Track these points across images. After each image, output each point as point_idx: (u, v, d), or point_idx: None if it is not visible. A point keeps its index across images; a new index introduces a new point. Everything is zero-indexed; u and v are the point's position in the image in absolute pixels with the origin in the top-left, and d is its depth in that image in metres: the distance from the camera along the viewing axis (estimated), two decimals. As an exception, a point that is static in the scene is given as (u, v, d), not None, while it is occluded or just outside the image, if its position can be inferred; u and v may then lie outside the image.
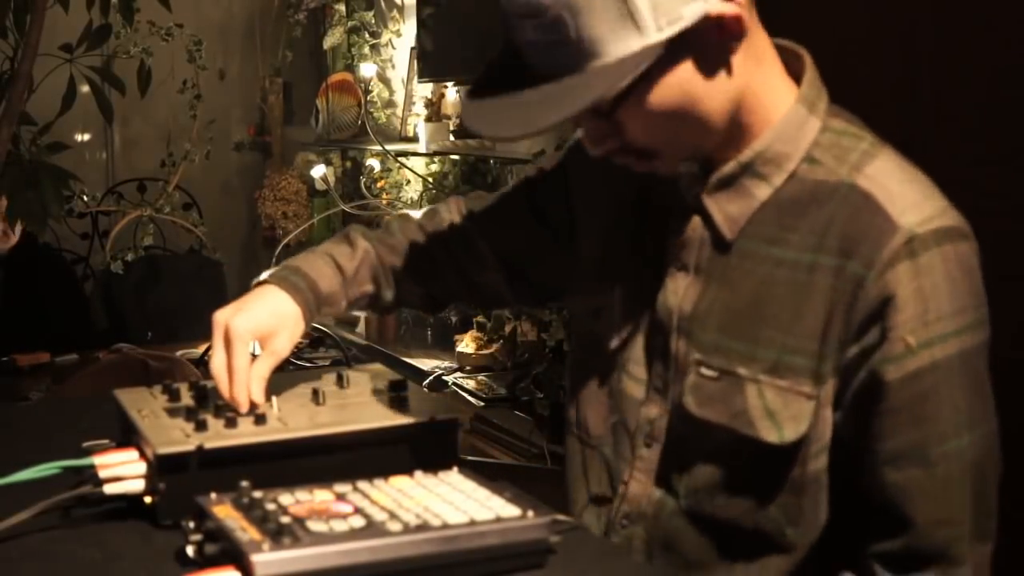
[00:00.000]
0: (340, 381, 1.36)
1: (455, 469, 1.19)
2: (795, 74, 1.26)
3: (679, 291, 1.27)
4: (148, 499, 1.16)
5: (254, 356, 1.31)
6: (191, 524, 1.06)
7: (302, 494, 1.09)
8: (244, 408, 1.26)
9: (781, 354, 1.20)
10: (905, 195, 1.18)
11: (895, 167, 1.22)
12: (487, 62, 1.22)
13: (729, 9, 1.13)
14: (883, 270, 1.15)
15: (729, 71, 1.18)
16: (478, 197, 1.57)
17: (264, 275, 1.42)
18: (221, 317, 1.32)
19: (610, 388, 1.35)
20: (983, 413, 1.21)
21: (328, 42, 5.00)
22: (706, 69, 1.16)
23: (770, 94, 1.23)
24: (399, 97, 4.79)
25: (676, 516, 1.28)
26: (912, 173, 1.22)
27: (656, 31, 1.10)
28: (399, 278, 1.50)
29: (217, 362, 1.30)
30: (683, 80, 1.15)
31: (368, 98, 4.79)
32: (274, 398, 1.29)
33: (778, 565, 1.25)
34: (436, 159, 4.36)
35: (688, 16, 1.11)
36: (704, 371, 1.24)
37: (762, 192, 1.23)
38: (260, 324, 1.32)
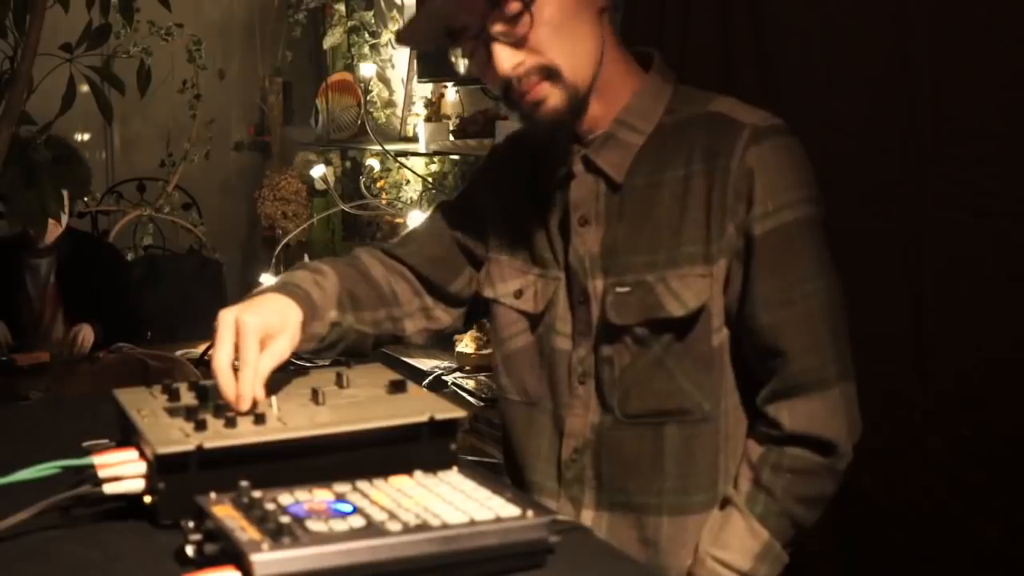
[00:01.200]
0: (340, 381, 1.36)
1: (455, 469, 1.19)
2: (646, 68, 1.54)
3: (586, 241, 1.51)
4: (148, 499, 1.16)
5: None
6: (191, 524, 1.06)
7: (302, 494, 1.09)
8: (246, 405, 1.25)
9: (675, 250, 1.45)
10: (744, 109, 1.49)
11: (734, 100, 1.51)
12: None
13: None
14: (741, 155, 1.43)
15: (598, 21, 1.46)
16: (391, 244, 1.70)
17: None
18: (229, 314, 1.35)
19: (541, 350, 1.56)
20: (830, 267, 1.47)
21: (328, 42, 5.00)
22: (585, 7, 1.44)
23: (627, 70, 1.52)
24: (399, 97, 4.79)
25: (613, 429, 1.50)
26: (744, 103, 1.51)
27: None
28: (358, 306, 1.57)
29: (221, 358, 1.30)
30: (568, 4, 1.42)
31: (368, 98, 4.79)
32: (274, 398, 1.29)
33: (703, 443, 1.48)
34: (436, 159, 4.36)
35: None
36: (619, 289, 1.48)
37: (636, 139, 1.50)
38: (268, 322, 1.35)
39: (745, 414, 1.50)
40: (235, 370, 1.29)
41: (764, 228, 1.43)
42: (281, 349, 1.35)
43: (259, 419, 1.22)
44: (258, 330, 1.33)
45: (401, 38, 1.65)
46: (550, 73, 1.43)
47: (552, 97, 1.44)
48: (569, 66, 1.43)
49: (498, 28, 1.41)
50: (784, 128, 1.48)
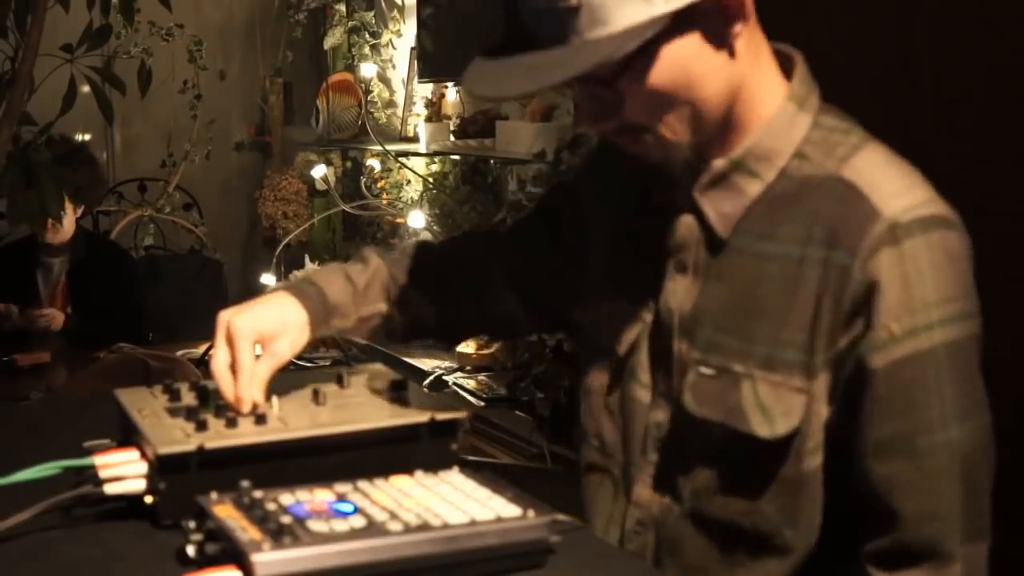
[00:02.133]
0: (340, 381, 1.36)
1: (456, 469, 1.19)
2: (788, 76, 1.27)
3: (679, 292, 1.28)
4: (149, 499, 1.16)
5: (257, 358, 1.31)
6: (192, 524, 1.06)
7: (303, 494, 1.09)
8: (246, 408, 1.25)
9: (773, 348, 1.20)
10: (890, 184, 1.18)
11: (881, 158, 1.22)
12: (494, 35, 1.24)
13: None
14: (867, 257, 1.15)
15: (730, 54, 1.19)
16: (491, 231, 1.60)
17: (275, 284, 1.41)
18: (224, 316, 1.32)
19: (621, 395, 1.34)
20: (973, 407, 1.20)
21: (328, 42, 5.00)
22: (708, 49, 1.17)
23: (764, 90, 1.24)
24: (399, 97, 4.79)
25: (680, 520, 1.28)
26: (899, 164, 1.22)
27: (663, 3, 1.12)
28: (411, 299, 1.47)
29: (219, 360, 1.29)
30: (685, 56, 1.16)
31: (368, 98, 4.79)
32: (274, 398, 1.29)
33: (776, 568, 1.24)
34: (436, 159, 4.36)
35: None
36: (703, 370, 1.24)
37: (753, 189, 1.24)
38: (263, 324, 1.31)
39: (832, 547, 1.25)
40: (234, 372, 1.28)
41: (885, 360, 1.15)
42: (280, 351, 1.31)
43: (260, 419, 1.22)
44: (250, 334, 1.30)
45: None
46: (644, 131, 1.20)
47: (653, 153, 1.23)
48: (671, 132, 1.20)
49: (584, 88, 1.20)
50: (940, 221, 1.17)
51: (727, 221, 1.24)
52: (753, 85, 1.22)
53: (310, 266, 5.05)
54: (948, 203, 1.20)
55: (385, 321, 1.46)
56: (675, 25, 1.14)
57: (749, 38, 1.20)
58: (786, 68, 1.27)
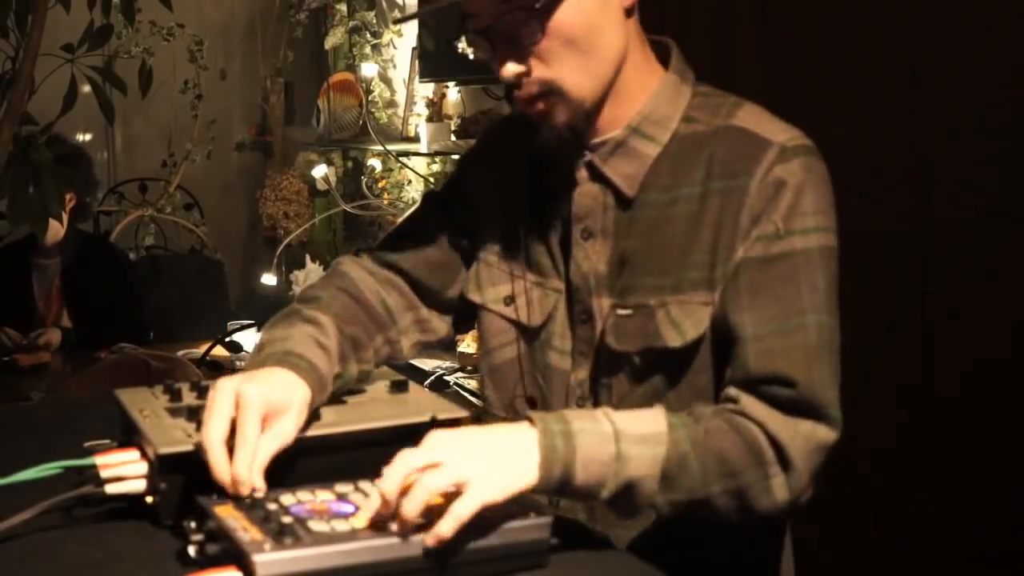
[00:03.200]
0: (341, 381, 1.36)
1: (456, 469, 1.19)
2: (663, 62, 1.42)
3: (590, 256, 1.39)
4: (149, 499, 1.16)
5: None
6: (192, 524, 1.06)
7: (304, 494, 1.09)
8: (245, 490, 1.10)
9: (681, 274, 1.33)
10: (772, 124, 1.36)
11: (760, 110, 1.39)
12: None
13: None
14: (764, 175, 1.31)
15: (626, 15, 1.35)
16: (379, 246, 1.56)
17: (247, 360, 1.30)
18: (229, 383, 1.17)
19: (534, 365, 1.45)
20: (835, 307, 1.33)
21: (329, 42, 5.00)
22: (611, 6, 1.33)
23: (646, 66, 1.40)
24: (400, 97, 4.79)
25: None
26: (772, 114, 1.39)
27: None
28: (358, 346, 1.41)
29: (216, 432, 1.13)
30: (592, 5, 1.31)
31: (369, 98, 4.79)
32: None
33: None
34: (437, 159, 4.36)
35: None
36: (620, 311, 1.37)
37: (651, 150, 1.38)
38: (274, 397, 1.17)
39: None
40: (229, 449, 1.13)
41: (768, 251, 1.30)
42: (286, 431, 1.17)
43: (261, 419, 1.22)
44: (260, 406, 1.15)
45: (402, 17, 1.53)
46: (553, 90, 1.33)
47: (556, 114, 1.34)
48: (576, 83, 1.33)
49: (504, 29, 1.31)
50: (812, 150, 1.35)
51: (632, 181, 1.38)
52: (638, 58, 1.38)
53: (311, 266, 5.06)
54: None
55: (335, 378, 1.34)
56: None
57: (635, 24, 1.37)
58: (661, 56, 1.42)
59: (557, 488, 1.17)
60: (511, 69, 1.32)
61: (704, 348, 1.33)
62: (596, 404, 1.39)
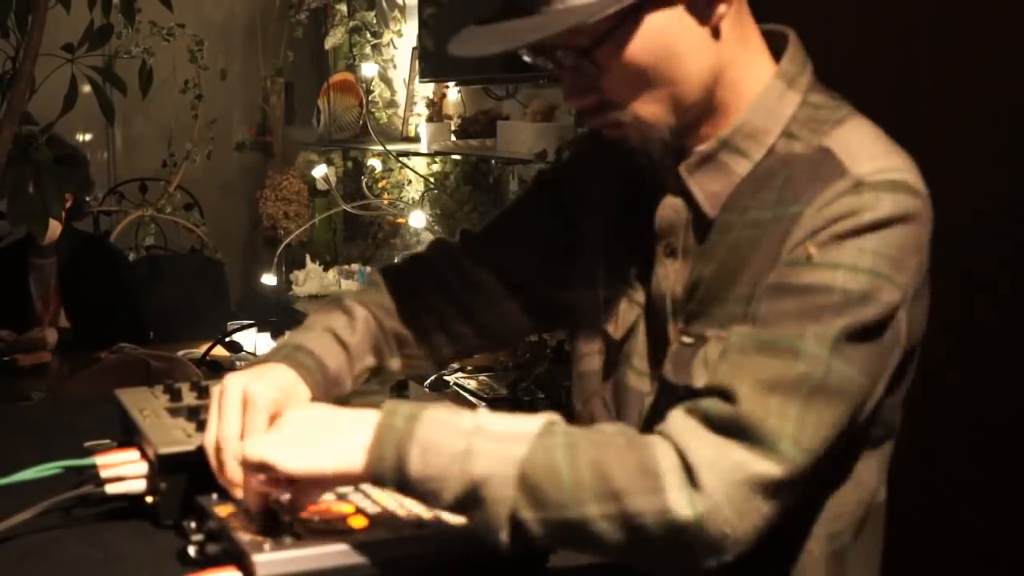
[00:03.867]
0: (341, 381, 1.36)
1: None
2: (779, 57, 1.25)
3: (669, 276, 1.25)
4: (149, 499, 1.16)
5: None
6: (192, 524, 1.06)
7: (303, 494, 1.09)
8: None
9: (739, 306, 1.16)
10: (866, 150, 1.15)
11: (863, 129, 1.19)
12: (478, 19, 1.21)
13: None
14: (823, 205, 1.11)
15: (714, 35, 1.17)
16: (463, 233, 1.48)
17: (265, 351, 1.28)
18: (237, 381, 1.16)
19: (615, 382, 1.31)
20: (871, 369, 1.11)
21: (329, 42, 5.00)
22: (692, 26, 1.15)
23: (751, 72, 1.21)
24: (400, 97, 4.79)
25: None
26: (880, 136, 1.19)
27: None
28: (403, 342, 1.39)
29: (225, 432, 1.12)
30: (666, 31, 1.14)
31: (369, 98, 4.79)
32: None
33: None
34: (437, 159, 4.36)
35: None
36: (684, 339, 1.21)
37: (741, 168, 1.20)
38: (281, 396, 1.17)
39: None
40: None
41: (787, 278, 1.11)
42: None
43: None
44: (269, 406, 1.15)
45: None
46: (625, 122, 1.19)
47: (633, 141, 1.21)
48: (652, 114, 1.18)
49: (566, 58, 1.17)
50: (907, 189, 1.12)
51: (715, 200, 1.21)
52: (738, 68, 1.20)
53: (311, 266, 5.06)
54: (924, 180, 1.16)
55: (373, 372, 1.36)
56: None
57: (736, 20, 1.18)
58: (777, 48, 1.24)
59: (392, 477, 1.02)
60: (574, 97, 1.20)
61: None
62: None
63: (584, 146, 1.43)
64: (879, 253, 1.09)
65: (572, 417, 1.38)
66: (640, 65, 1.14)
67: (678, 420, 1.06)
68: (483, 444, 1.03)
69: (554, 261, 1.40)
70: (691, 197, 1.23)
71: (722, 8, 1.15)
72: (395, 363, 1.37)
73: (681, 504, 1.00)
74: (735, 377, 1.06)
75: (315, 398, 1.22)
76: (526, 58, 1.21)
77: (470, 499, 1.01)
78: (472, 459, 1.02)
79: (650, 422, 1.23)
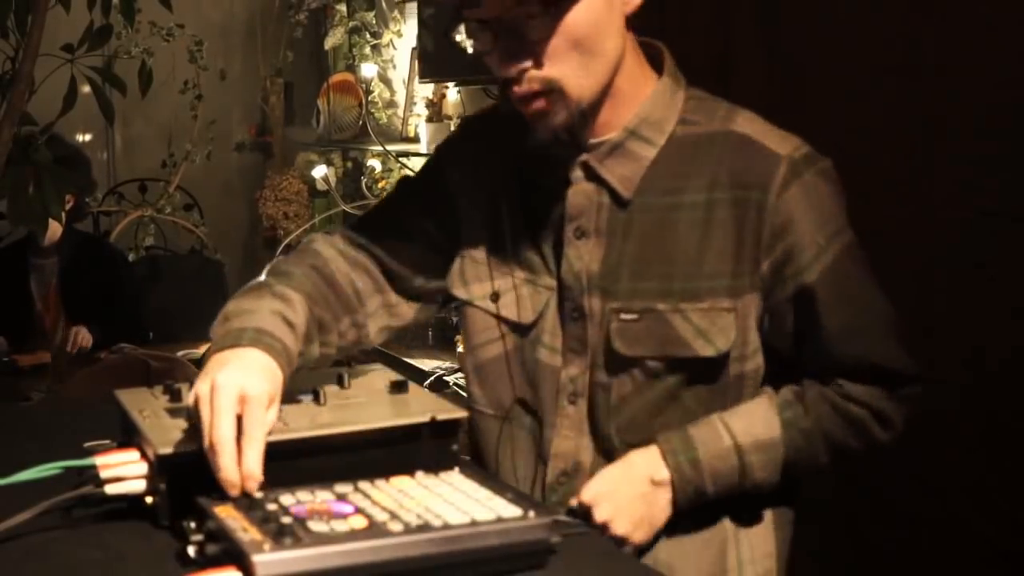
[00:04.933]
0: (341, 381, 1.36)
1: (456, 469, 1.19)
2: (652, 62, 1.44)
3: (583, 255, 1.41)
4: (149, 499, 1.16)
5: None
6: (192, 524, 1.06)
7: (303, 494, 1.09)
8: (254, 487, 1.10)
9: (696, 281, 1.37)
10: (773, 133, 1.40)
11: (756, 116, 1.42)
12: None
13: None
14: (780, 192, 1.35)
15: (624, 22, 1.36)
16: (352, 227, 1.55)
17: (218, 337, 1.29)
18: (229, 380, 1.15)
19: (523, 362, 1.46)
20: (877, 283, 1.43)
21: (329, 42, 5.00)
22: (615, 8, 1.34)
23: (640, 70, 1.41)
24: (400, 97, 4.79)
25: (615, 455, 1.40)
26: (767, 121, 1.42)
27: None
28: (323, 328, 1.43)
29: (226, 432, 1.11)
30: (599, 7, 1.32)
31: (369, 98, 4.79)
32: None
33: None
34: (437, 159, 4.35)
35: None
36: (624, 316, 1.39)
37: (647, 152, 1.40)
38: (271, 391, 1.18)
39: None
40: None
41: (821, 268, 1.37)
42: (272, 419, 1.17)
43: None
44: (265, 401, 1.15)
45: None
46: (552, 89, 1.33)
47: (553, 115, 1.34)
48: (577, 83, 1.33)
49: (511, 23, 1.30)
50: (816, 155, 1.40)
51: (628, 183, 1.40)
52: (632, 61, 1.39)
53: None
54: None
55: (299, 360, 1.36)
56: None
57: (628, 31, 1.38)
58: (652, 59, 1.44)
59: (693, 504, 1.38)
60: (512, 64, 1.32)
61: (733, 352, 1.39)
62: (591, 402, 1.42)
63: (460, 147, 1.56)
64: (840, 210, 1.40)
65: (474, 402, 1.51)
66: (578, 32, 1.31)
67: (855, 389, 1.40)
68: (751, 458, 1.38)
69: (421, 254, 1.51)
70: (604, 183, 1.40)
71: (628, 11, 1.36)
72: (315, 350, 1.41)
73: (880, 439, 1.43)
74: (867, 351, 1.40)
75: (284, 382, 1.24)
76: (461, 31, 1.37)
77: (756, 489, 1.40)
78: (749, 473, 1.39)
79: (572, 395, 1.42)
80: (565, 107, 1.34)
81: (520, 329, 1.46)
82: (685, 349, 1.37)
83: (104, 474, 1.16)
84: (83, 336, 3.64)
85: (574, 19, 1.30)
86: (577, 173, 1.41)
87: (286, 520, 1.02)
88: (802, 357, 1.42)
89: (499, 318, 1.47)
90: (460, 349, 3.61)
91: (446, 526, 1.03)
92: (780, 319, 1.40)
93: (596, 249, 1.40)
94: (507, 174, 1.48)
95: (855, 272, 1.40)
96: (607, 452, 1.41)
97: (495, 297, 1.47)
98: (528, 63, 1.32)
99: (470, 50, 1.40)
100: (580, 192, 1.41)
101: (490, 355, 1.49)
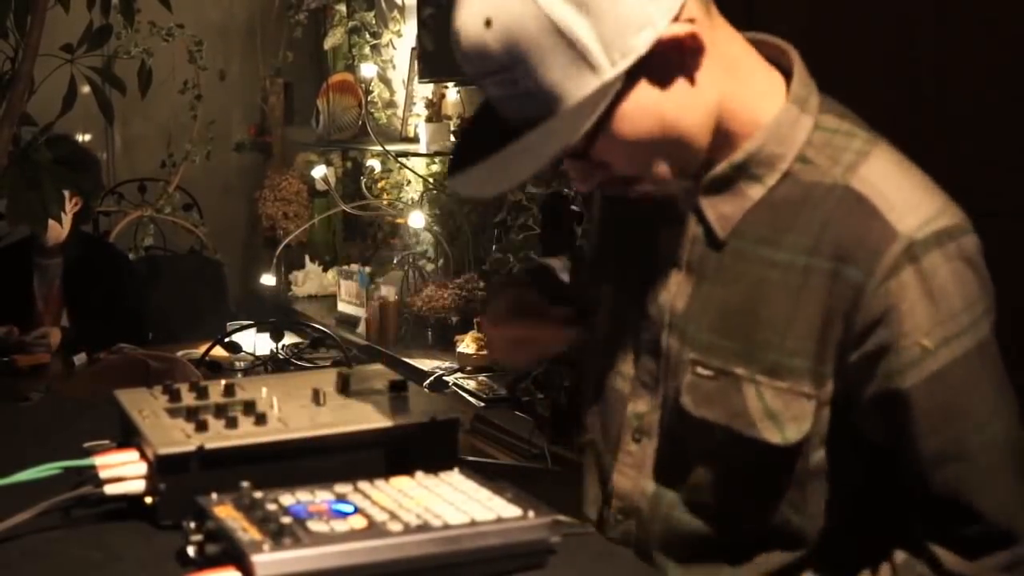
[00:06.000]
0: (340, 381, 1.36)
1: (456, 469, 1.19)
2: (780, 68, 1.26)
3: (671, 288, 1.28)
4: (149, 499, 1.16)
5: None
6: (192, 524, 1.06)
7: (303, 494, 1.09)
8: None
9: (779, 355, 1.20)
10: (901, 197, 1.18)
11: (890, 166, 1.21)
12: (465, 125, 1.28)
13: (681, 30, 1.14)
14: (885, 278, 1.15)
15: (697, 86, 1.18)
16: None
17: None
18: None
19: (603, 385, 1.36)
20: (1008, 396, 1.21)
21: (329, 42, 5.00)
22: (672, 90, 1.17)
23: (752, 97, 1.23)
24: (400, 97, 4.79)
25: (676, 510, 1.28)
26: (907, 171, 1.22)
27: (610, 67, 1.12)
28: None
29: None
30: (650, 105, 1.16)
31: (369, 98, 4.79)
32: (274, 398, 1.29)
33: (789, 558, 1.25)
34: (437, 159, 4.36)
35: (640, 46, 1.12)
36: (700, 370, 1.24)
37: (755, 192, 1.23)
38: None
39: (854, 540, 1.26)
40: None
41: (921, 375, 1.15)
42: None
43: (260, 419, 1.22)
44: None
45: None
46: (635, 180, 1.22)
47: (653, 190, 1.23)
48: (668, 173, 1.20)
49: (568, 160, 1.21)
50: (954, 231, 1.17)
51: (726, 223, 1.24)
52: (737, 99, 1.21)
53: (311, 267, 5.06)
54: (958, 205, 1.20)
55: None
56: (630, 80, 1.14)
57: (717, 58, 1.19)
58: (778, 61, 1.26)
59: None
60: (580, 180, 1.23)
61: (805, 444, 1.22)
62: (659, 448, 1.30)
63: None
64: (969, 304, 1.17)
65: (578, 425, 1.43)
66: (636, 144, 1.17)
67: (947, 558, 1.19)
68: None
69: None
70: (702, 217, 1.25)
71: (695, 62, 1.17)
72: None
73: None
74: (964, 491, 1.18)
75: None
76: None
77: None
78: None
79: (636, 431, 1.31)
80: (659, 188, 1.23)
81: (605, 350, 1.36)
82: (750, 428, 1.21)
83: (103, 474, 1.16)
84: (53, 337, 3.63)
85: (625, 136, 1.16)
86: (682, 202, 1.27)
87: (286, 520, 1.02)
88: (896, 479, 1.22)
89: (596, 338, 1.39)
90: (460, 349, 3.61)
91: (446, 526, 1.03)
92: (867, 422, 1.21)
93: (685, 286, 1.27)
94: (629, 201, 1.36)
95: (972, 384, 1.17)
96: (671, 503, 1.29)
97: (598, 317, 1.39)
98: (604, 176, 1.21)
99: None
100: (682, 222, 1.28)
101: (588, 372, 1.41)
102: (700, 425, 1.24)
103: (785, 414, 1.20)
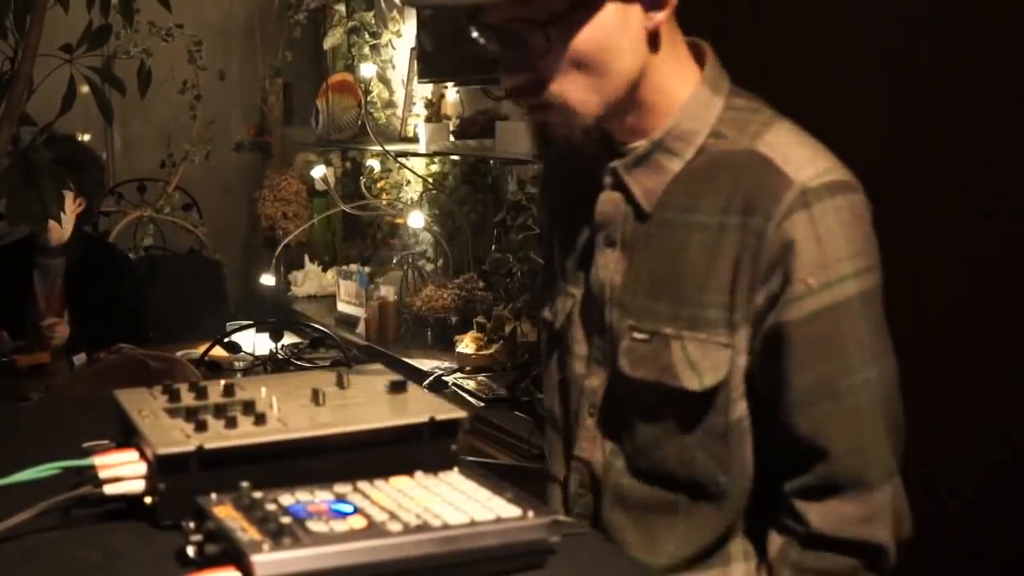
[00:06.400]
0: (340, 381, 1.36)
1: (455, 469, 1.19)
2: (698, 62, 1.37)
3: (608, 265, 1.37)
4: (148, 499, 1.16)
5: None
6: (191, 524, 1.06)
7: (303, 494, 1.09)
8: None
9: (698, 309, 1.30)
10: (798, 155, 1.28)
11: (792, 134, 1.32)
12: None
13: None
14: (781, 220, 1.24)
15: (647, 39, 1.29)
16: None
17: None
18: None
19: (563, 369, 1.45)
20: (884, 350, 1.29)
21: (328, 42, 5.00)
22: (633, 27, 1.27)
23: (677, 78, 1.33)
24: (399, 97, 4.79)
25: (623, 475, 1.37)
26: (805, 138, 1.32)
27: None
28: None
29: None
30: (615, 23, 1.26)
31: (368, 98, 4.79)
32: (274, 398, 1.29)
33: (714, 512, 1.34)
34: (436, 159, 4.36)
35: None
36: (636, 335, 1.34)
37: (674, 166, 1.33)
38: None
39: (767, 491, 1.34)
40: None
41: (802, 312, 1.25)
42: None
43: (260, 419, 1.22)
44: None
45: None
46: (555, 104, 1.29)
47: (557, 126, 1.32)
48: (581, 101, 1.28)
49: (512, 32, 1.26)
50: (843, 185, 1.27)
51: (651, 196, 1.34)
52: (665, 72, 1.32)
53: (310, 267, 5.06)
54: (849, 170, 1.30)
55: None
56: None
57: (668, 30, 1.31)
58: (698, 58, 1.37)
59: None
60: (511, 78, 1.29)
61: (722, 392, 1.30)
62: (607, 421, 1.39)
63: (548, 154, 1.60)
64: (855, 253, 1.26)
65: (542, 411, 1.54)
66: (582, 50, 1.25)
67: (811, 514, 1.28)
68: None
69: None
70: (628, 192, 1.35)
71: (661, 15, 1.28)
72: None
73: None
74: (827, 431, 1.26)
75: None
76: (474, 34, 1.32)
77: None
78: None
79: (592, 406, 1.40)
80: (567, 122, 1.30)
81: (557, 336, 1.46)
82: (674, 378, 1.31)
83: (103, 474, 1.16)
84: (60, 330, 3.64)
85: (575, 39, 1.25)
86: (607, 179, 1.37)
87: (285, 520, 1.01)
88: (772, 416, 1.30)
89: (545, 323, 1.49)
90: (459, 349, 3.61)
91: (445, 526, 1.03)
92: (758, 364, 1.29)
93: (621, 261, 1.37)
94: (568, 181, 1.48)
95: (848, 329, 1.26)
96: (620, 473, 1.38)
97: (545, 302, 1.49)
98: (527, 77, 1.28)
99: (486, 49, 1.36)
100: (608, 200, 1.37)
101: (548, 361, 1.50)
102: (635, 385, 1.33)
103: (704, 363, 1.29)
